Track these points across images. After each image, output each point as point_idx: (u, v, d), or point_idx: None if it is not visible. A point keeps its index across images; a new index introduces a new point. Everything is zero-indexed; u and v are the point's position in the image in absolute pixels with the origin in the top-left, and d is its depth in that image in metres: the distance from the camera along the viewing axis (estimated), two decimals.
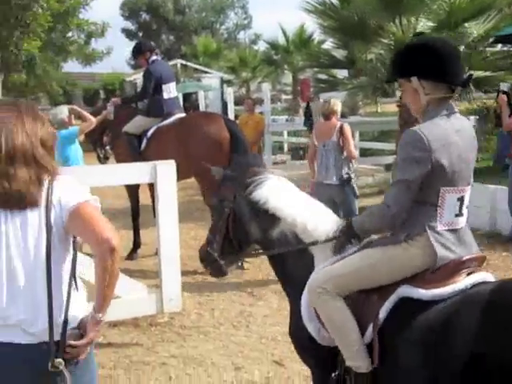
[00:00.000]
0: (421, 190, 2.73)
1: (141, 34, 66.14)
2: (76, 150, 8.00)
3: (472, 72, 4.43)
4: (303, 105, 20.43)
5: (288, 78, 29.50)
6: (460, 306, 2.59)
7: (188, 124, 7.95)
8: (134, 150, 8.13)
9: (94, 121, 8.00)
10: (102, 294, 2.36)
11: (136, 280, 5.79)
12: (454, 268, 2.73)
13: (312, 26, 26.28)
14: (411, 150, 2.68)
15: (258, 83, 29.48)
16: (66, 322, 2.36)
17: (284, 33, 28.25)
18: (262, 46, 42.05)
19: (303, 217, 3.12)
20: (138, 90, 11.24)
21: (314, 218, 3.12)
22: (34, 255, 2.34)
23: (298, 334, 3.12)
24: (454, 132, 2.74)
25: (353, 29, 9.02)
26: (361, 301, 2.87)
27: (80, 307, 2.46)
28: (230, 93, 17.79)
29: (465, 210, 2.84)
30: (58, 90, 42.19)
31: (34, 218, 2.35)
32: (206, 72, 30.86)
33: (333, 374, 2.97)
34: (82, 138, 8.59)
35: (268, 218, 3.18)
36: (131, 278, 5.63)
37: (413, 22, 8.92)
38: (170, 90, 8.34)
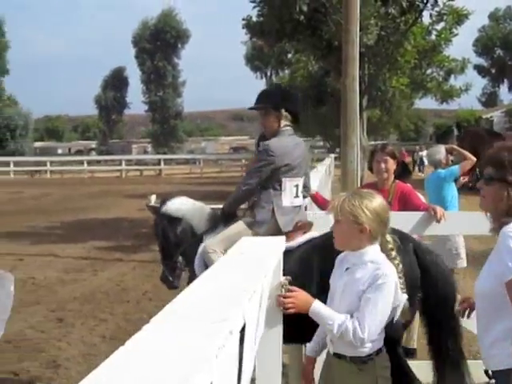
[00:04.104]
0: (268, 180, 4.42)
1: (493, 71, 63.83)
2: (453, 190, 7.51)
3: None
4: None
5: None
6: (304, 250, 3.90)
7: None
8: None
9: (474, 159, 7.41)
10: None
11: None
12: (297, 230, 4.30)
13: None
14: (264, 155, 4.40)
15: None
16: None
17: None
18: None
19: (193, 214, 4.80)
20: (494, 127, 10.28)
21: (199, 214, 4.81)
22: None
23: None
24: (292, 146, 4.47)
25: None
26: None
27: None
28: None
29: (299, 194, 4.49)
30: (410, 126, 42.83)
31: None
32: None
33: None
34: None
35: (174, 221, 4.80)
36: None
37: None
38: None
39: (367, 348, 2.99)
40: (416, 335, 6.27)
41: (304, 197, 4.76)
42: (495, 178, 2.71)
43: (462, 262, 7.17)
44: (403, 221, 4.60)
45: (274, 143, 4.39)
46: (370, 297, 2.90)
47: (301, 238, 4.11)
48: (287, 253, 3.50)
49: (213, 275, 2.08)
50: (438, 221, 4.43)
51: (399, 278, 3.03)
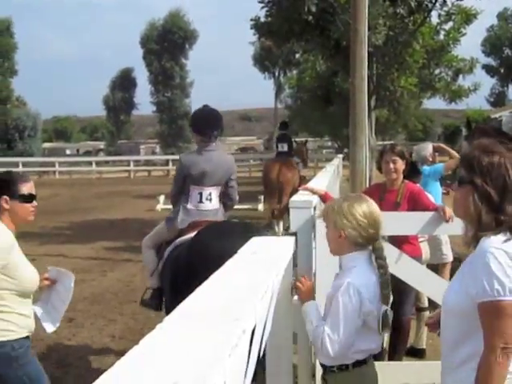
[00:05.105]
0: (182, 186, 5.30)
1: (502, 70, 63.60)
2: (437, 187, 7.56)
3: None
4: None
5: None
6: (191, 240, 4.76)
7: None
8: None
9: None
10: None
11: None
12: (193, 226, 5.02)
13: None
14: (177, 166, 5.50)
15: None
16: None
17: None
18: None
19: None
20: (503, 127, 10.31)
21: None
22: None
23: None
24: (202, 159, 5.23)
25: None
26: (162, 248, 5.33)
27: None
28: None
29: (205, 200, 5.24)
30: (418, 126, 42.66)
31: None
32: None
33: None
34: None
35: None
36: None
37: None
38: None
39: (331, 359, 2.88)
40: (425, 335, 6.27)
41: (225, 204, 5.49)
42: (466, 181, 2.48)
43: (446, 258, 7.26)
44: (412, 221, 4.60)
45: (183, 157, 5.48)
46: (332, 309, 2.84)
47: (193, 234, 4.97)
48: (182, 244, 4.95)
49: (225, 274, 2.09)
50: (447, 221, 4.43)
51: (383, 288, 2.86)
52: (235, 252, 4.27)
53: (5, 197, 3.66)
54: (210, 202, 5.25)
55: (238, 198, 5.68)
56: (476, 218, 2.44)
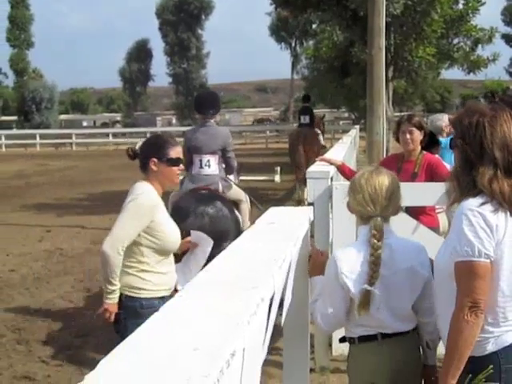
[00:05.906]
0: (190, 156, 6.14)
1: None
2: (453, 159, 7.45)
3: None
4: None
5: None
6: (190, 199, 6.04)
7: None
8: None
9: None
10: None
11: None
12: (195, 190, 6.11)
13: None
14: (183, 141, 6.14)
15: None
16: None
17: None
18: None
19: None
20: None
21: None
22: None
23: None
24: (200, 132, 6.25)
25: None
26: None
27: None
28: None
29: (204, 166, 6.16)
30: (436, 96, 42.26)
31: None
32: None
33: None
34: None
35: None
36: None
37: None
38: None
39: (347, 331, 2.83)
40: None
41: (227, 171, 6.36)
42: (454, 144, 2.54)
43: None
44: (430, 191, 4.58)
45: (186, 131, 6.65)
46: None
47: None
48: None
49: (243, 244, 2.09)
50: None
51: (370, 267, 2.63)
52: (196, 211, 5.73)
53: (154, 159, 3.83)
54: (208, 168, 6.21)
55: (236, 164, 6.54)
56: (455, 178, 2.48)
